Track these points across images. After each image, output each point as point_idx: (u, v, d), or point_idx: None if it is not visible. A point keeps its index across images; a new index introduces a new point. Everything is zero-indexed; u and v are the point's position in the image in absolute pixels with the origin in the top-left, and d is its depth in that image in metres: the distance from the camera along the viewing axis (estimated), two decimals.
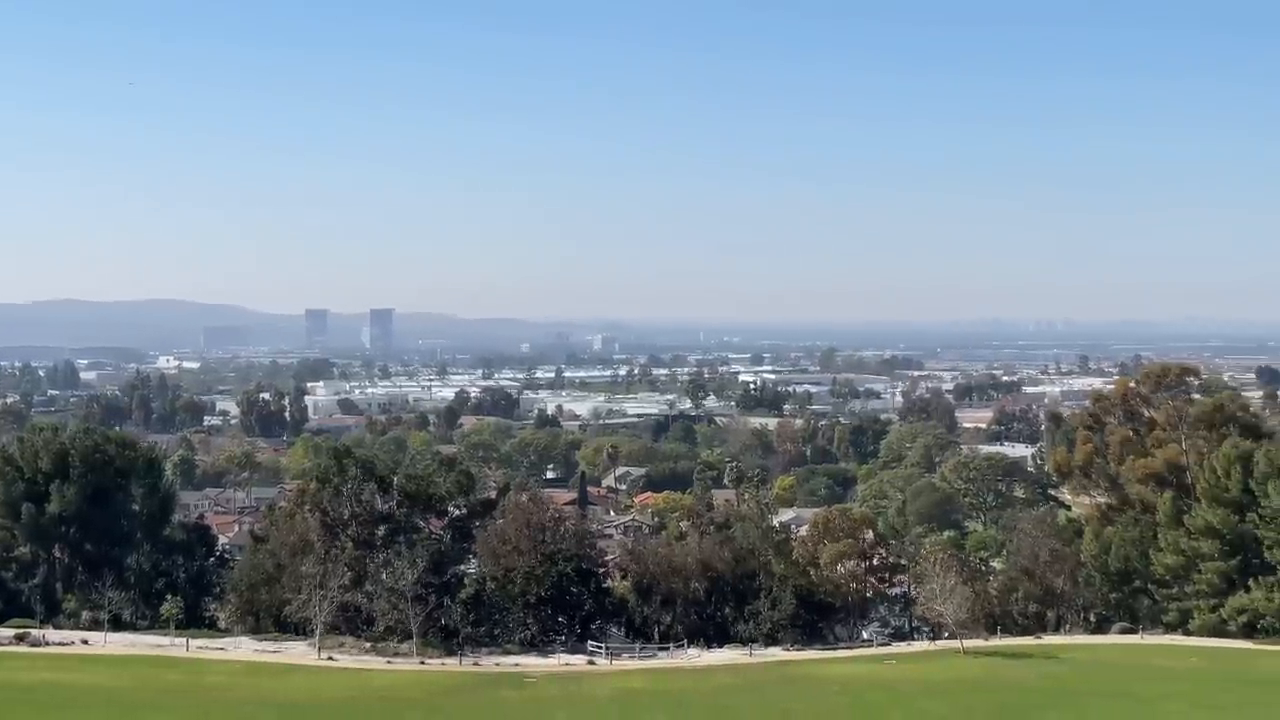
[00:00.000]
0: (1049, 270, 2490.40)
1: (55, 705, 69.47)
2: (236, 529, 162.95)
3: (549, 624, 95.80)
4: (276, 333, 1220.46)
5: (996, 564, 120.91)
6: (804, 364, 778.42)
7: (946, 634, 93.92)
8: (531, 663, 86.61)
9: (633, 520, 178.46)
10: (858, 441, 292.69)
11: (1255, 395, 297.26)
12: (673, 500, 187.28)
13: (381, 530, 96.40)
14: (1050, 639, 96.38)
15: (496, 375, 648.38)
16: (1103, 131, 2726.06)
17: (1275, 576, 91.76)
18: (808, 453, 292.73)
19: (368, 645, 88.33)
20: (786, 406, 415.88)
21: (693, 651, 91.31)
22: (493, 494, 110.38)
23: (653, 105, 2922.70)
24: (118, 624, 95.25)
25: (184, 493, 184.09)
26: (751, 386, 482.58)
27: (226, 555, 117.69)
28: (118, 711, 69.18)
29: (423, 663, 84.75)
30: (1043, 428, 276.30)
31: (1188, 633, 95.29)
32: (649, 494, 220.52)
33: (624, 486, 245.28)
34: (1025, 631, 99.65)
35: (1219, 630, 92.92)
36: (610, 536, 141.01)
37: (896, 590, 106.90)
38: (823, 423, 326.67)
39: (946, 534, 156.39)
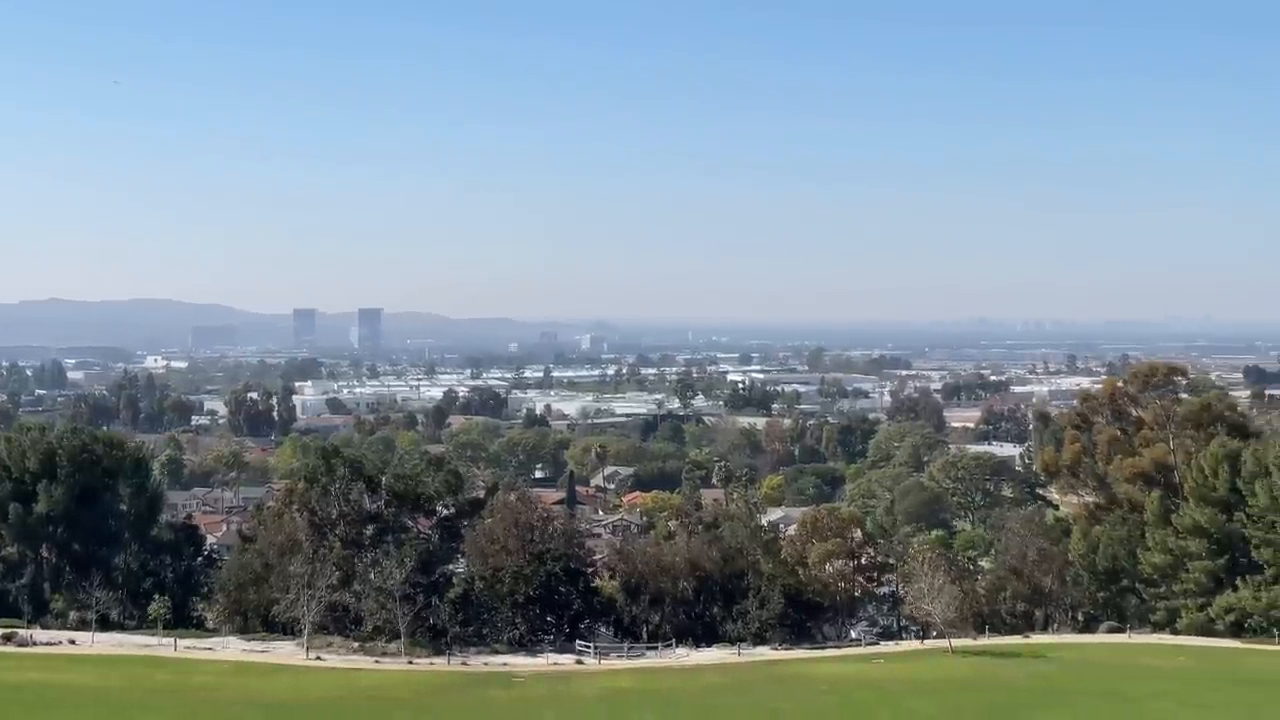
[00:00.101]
0: (1049, 270, 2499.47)
1: (43, 705, 69.24)
2: (224, 529, 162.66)
3: (537, 623, 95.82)
4: (264, 332, 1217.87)
5: (985, 563, 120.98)
6: (792, 364, 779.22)
7: (935, 633, 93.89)
8: (520, 662, 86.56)
9: (621, 520, 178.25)
10: (846, 441, 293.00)
11: (1242, 395, 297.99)
12: (661, 500, 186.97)
13: (369, 530, 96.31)
14: (1038, 638, 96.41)
15: (485, 375, 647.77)
16: (1102, 132, 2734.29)
17: (1262, 575, 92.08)
18: (796, 452, 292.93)
19: (356, 645, 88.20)
20: (775, 406, 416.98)
21: (681, 651, 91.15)
22: (481, 493, 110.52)
23: (651, 105, 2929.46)
24: (105, 624, 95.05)
25: (172, 492, 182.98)
26: (740, 386, 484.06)
27: (214, 555, 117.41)
28: (105, 711, 68.98)
29: (411, 662, 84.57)
30: (1031, 427, 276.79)
31: (1175, 632, 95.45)
32: (637, 493, 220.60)
33: (612, 486, 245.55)
34: (1013, 630, 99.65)
35: (1207, 629, 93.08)
36: (598, 536, 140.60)
37: (885, 589, 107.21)
38: (811, 422, 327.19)
39: (935, 533, 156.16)
